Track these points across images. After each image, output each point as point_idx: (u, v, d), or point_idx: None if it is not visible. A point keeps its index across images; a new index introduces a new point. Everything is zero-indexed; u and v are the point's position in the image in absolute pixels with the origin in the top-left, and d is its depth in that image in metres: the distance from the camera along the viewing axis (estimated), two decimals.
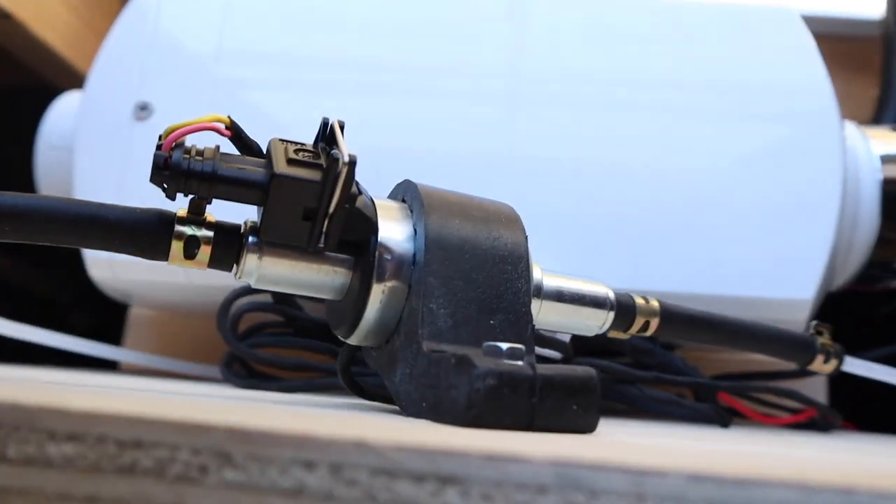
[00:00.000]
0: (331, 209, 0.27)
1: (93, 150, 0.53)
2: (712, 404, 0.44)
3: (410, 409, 0.26)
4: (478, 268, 0.28)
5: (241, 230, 0.29)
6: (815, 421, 0.46)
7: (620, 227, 0.48)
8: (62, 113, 0.58)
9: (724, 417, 0.42)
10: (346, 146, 0.27)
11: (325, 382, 0.42)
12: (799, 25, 0.53)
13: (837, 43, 0.84)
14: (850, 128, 0.55)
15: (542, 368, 0.23)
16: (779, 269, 0.46)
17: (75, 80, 0.69)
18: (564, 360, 0.42)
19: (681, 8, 0.54)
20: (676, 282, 0.46)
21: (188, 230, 0.28)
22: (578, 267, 0.47)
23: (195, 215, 0.28)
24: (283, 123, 0.52)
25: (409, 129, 0.52)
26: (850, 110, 0.81)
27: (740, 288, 0.46)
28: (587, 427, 0.24)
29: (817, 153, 0.50)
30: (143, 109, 0.51)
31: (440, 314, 0.27)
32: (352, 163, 0.26)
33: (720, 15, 0.54)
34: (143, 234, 0.27)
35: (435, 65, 0.53)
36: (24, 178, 0.58)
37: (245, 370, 0.44)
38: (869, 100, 0.81)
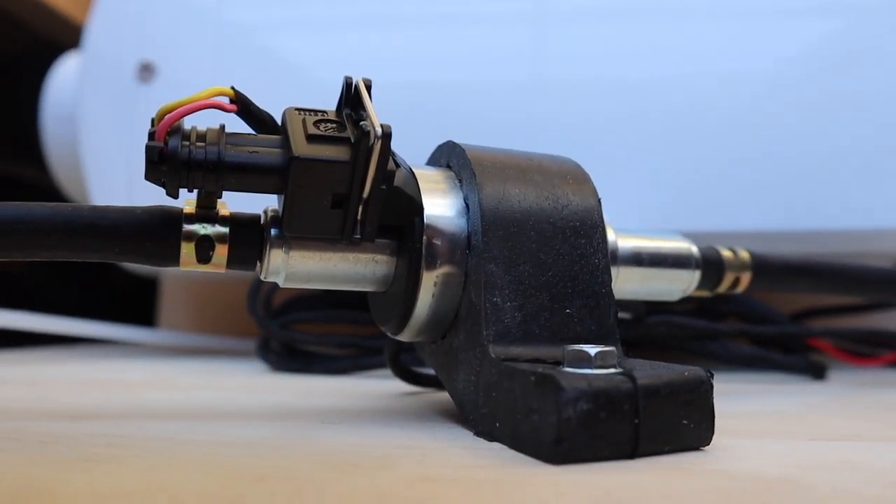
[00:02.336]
0: (365, 193, 0.22)
1: (97, 119, 0.48)
2: (804, 355, 0.39)
3: (481, 425, 0.22)
4: (546, 246, 0.23)
5: (262, 221, 0.24)
6: None
7: (691, 160, 0.42)
8: (63, 79, 0.54)
9: (819, 369, 0.38)
10: (376, 113, 0.22)
11: (371, 361, 0.38)
12: None
13: None
14: None
15: (642, 376, 0.19)
16: (871, 198, 0.40)
17: (76, 34, 0.64)
18: (636, 320, 0.37)
19: None
20: (757, 218, 0.41)
21: (199, 229, 0.23)
22: (640, 208, 0.42)
23: (206, 209, 0.23)
24: (301, 65, 0.47)
25: (429, 59, 0.47)
26: None
27: (832, 221, 0.40)
28: (701, 442, 0.20)
29: None
30: (146, 69, 0.46)
31: (506, 308, 0.22)
32: (386, 135, 0.21)
33: None
34: (146, 239, 0.23)
35: None
36: (36, 144, 0.54)
37: (284, 349, 0.41)
38: None
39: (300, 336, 0.40)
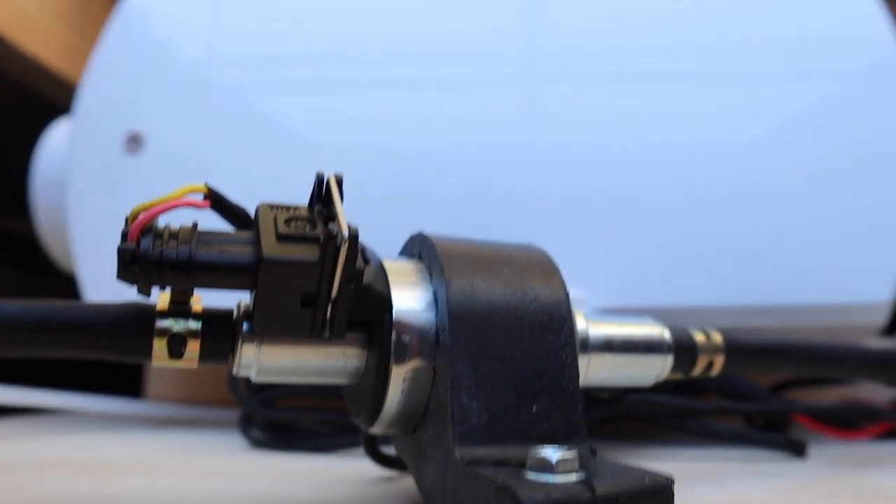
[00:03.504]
0: (333, 294, 0.22)
1: (85, 189, 0.49)
2: (784, 432, 0.39)
3: None
4: (514, 341, 0.24)
5: (235, 315, 0.24)
6: None
7: (668, 228, 0.43)
8: (54, 145, 0.55)
9: (799, 447, 0.38)
10: (344, 214, 0.22)
11: (351, 439, 0.38)
12: None
13: None
14: None
15: (601, 484, 0.19)
16: (849, 271, 0.41)
17: (71, 93, 0.66)
18: (614, 399, 0.37)
19: None
20: (732, 293, 0.41)
21: (171, 325, 0.23)
22: (619, 277, 0.42)
23: (178, 305, 0.24)
24: (287, 128, 0.47)
25: (419, 123, 0.47)
26: None
27: (807, 295, 0.41)
28: None
29: (884, 127, 0.44)
30: (134, 141, 0.47)
31: (472, 408, 0.22)
32: (353, 237, 0.21)
33: None
34: (120, 337, 0.23)
35: (443, 51, 0.48)
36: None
37: (265, 425, 0.41)
38: None
39: (281, 413, 0.40)
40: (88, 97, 0.50)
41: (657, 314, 0.37)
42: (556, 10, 0.48)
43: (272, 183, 0.46)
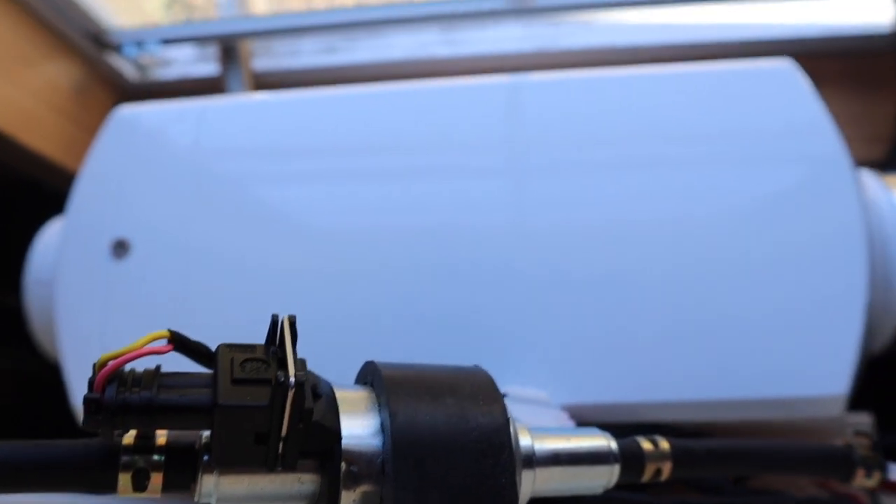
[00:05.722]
0: (283, 433, 0.24)
1: (73, 289, 0.51)
2: None
3: None
4: (454, 469, 0.25)
5: (196, 446, 0.26)
6: None
7: (627, 327, 0.45)
8: (47, 244, 0.57)
9: None
10: (294, 358, 0.24)
11: None
12: (796, 78, 0.50)
13: (847, 61, 0.80)
14: (869, 178, 0.51)
15: None
16: (805, 364, 0.43)
17: (69, 180, 0.68)
18: (574, 497, 0.38)
19: (670, 77, 0.51)
20: (693, 388, 0.43)
21: (136, 460, 0.25)
22: (579, 375, 0.44)
23: (143, 440, 0.26)
24: (269, 219, 0.50)
25: (405, 210, 0.50)
26: (867, 129, 0.76)
27: (765, 389, 0.42)
28: None
29: (832, 218, 0.46)
30: (121, 247, 0.50)
31: None
32: (299, 384, 0.23)
33: (710, 80, 0.51)
34: (87, 473, 0.25)
35: (429, 143, 0.51)
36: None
37: None
38: (886, 117, 0.77)
39: None
40: (78, 203, 0.52)
41: (618, 410, 0.39)
42: (535, 105, 0.50)
43: (254, 272, 0.48)
